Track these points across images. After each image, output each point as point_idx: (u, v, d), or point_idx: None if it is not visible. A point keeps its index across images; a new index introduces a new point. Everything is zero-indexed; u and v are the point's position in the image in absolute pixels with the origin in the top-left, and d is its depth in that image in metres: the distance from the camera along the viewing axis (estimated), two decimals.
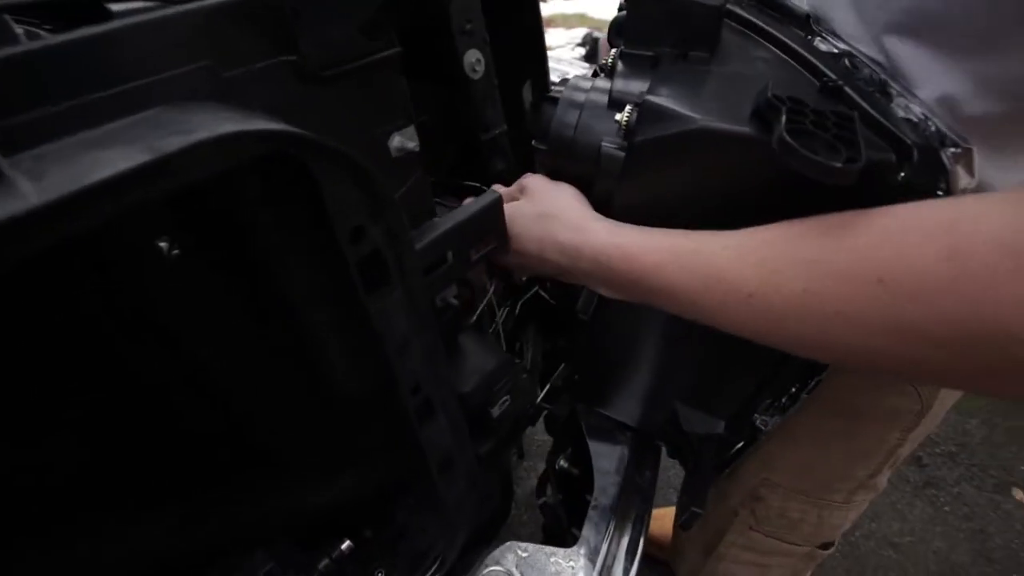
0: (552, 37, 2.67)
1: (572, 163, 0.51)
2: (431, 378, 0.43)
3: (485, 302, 0.67)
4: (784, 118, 0.36)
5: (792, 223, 0.37)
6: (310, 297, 0.37)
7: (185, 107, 0.26)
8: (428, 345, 0.41)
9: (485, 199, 0.46)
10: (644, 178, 0.47)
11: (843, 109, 0.38)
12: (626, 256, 0.43)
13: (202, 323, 0.41)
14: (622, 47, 0.51)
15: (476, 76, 0.58)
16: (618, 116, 0.47)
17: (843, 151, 0.34)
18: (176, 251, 0.37)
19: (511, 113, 0.67)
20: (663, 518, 1.20)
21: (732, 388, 0.61)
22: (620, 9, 0.57)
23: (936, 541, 1.51)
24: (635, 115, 0.46)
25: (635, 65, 0.50)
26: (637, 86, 0.48)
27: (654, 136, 0.44)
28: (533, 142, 0.54)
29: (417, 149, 0.38)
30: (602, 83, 0.53)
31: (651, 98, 0.44)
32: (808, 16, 0.47)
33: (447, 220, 0.44)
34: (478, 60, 0.56)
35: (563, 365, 0.85)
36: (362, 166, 0.30)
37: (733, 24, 0.49)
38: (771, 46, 0.47)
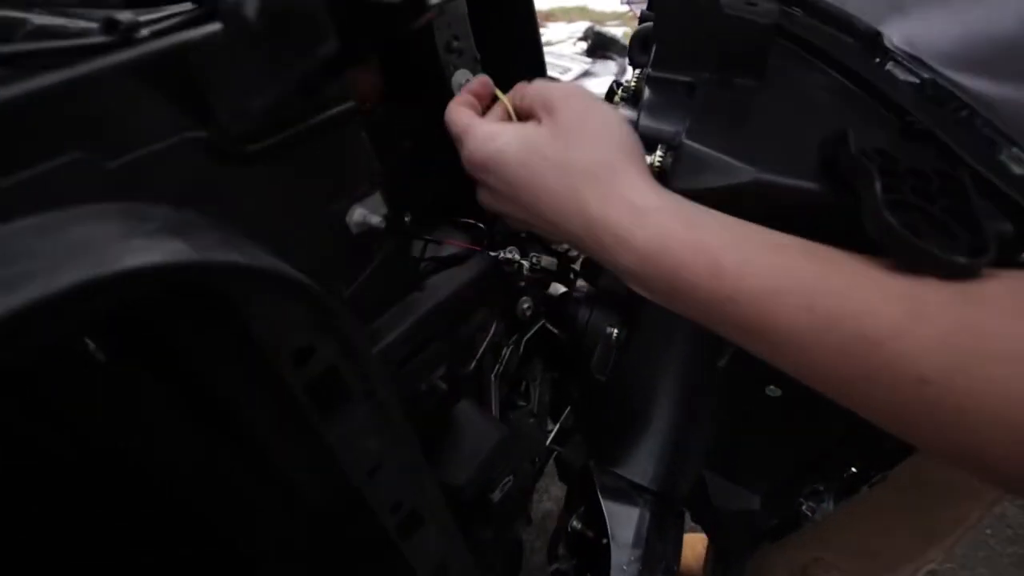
0: (552, 32, 2.57)
1: None
2: (414, 491, 0.36)
3: (485, 345, 0.59)
4: (879, 185, 0.27)
5: (996, 282, 0.26)
6: (255, 416, 0.30)
7: (33, 228, 0.19)
8: (408, 458, 0.34)
9: (478, 264, 0.38)
10: None
11: (945, 167, 0.30)
12: (713, 268, 0.29)
13: (139, 427, 0.34)
14: (649, 70, 0.42)
15: None
16: (648, 158, 0.38)
17: (960, 234, 0.26)
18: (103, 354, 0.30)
19: None
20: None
21: (768, 461, 0.53)
22: (641, 20, 0.49)
23: (979, 568, 1.43)
24: (669, 159, 0.38)
25: (666, 93, 0.41)
26: (671, 122, 0.39)
27: (694, 188, 0.36)
28: None
29: (383, 226, 0.30)
30: (626, 113, 0.44)
31: (691, 143, 0.36)
32: (878, 34, 0.38)
33: (430, 296, 0.36)
34: (468, 81, 0.48)
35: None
36: (298, 282, 0.22)
37: (785, 42, 0.40)
38: (834, 72, 0.39)
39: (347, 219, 0.30)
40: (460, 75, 0.50)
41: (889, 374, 0.26)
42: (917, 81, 0.36)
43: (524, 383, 0.79)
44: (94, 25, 0.24)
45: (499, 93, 0.42)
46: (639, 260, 0.32)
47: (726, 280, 0.29)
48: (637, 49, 0.46)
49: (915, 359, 0.25)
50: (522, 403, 0.76)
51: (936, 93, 0.35)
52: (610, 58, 1.98)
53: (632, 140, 0.36)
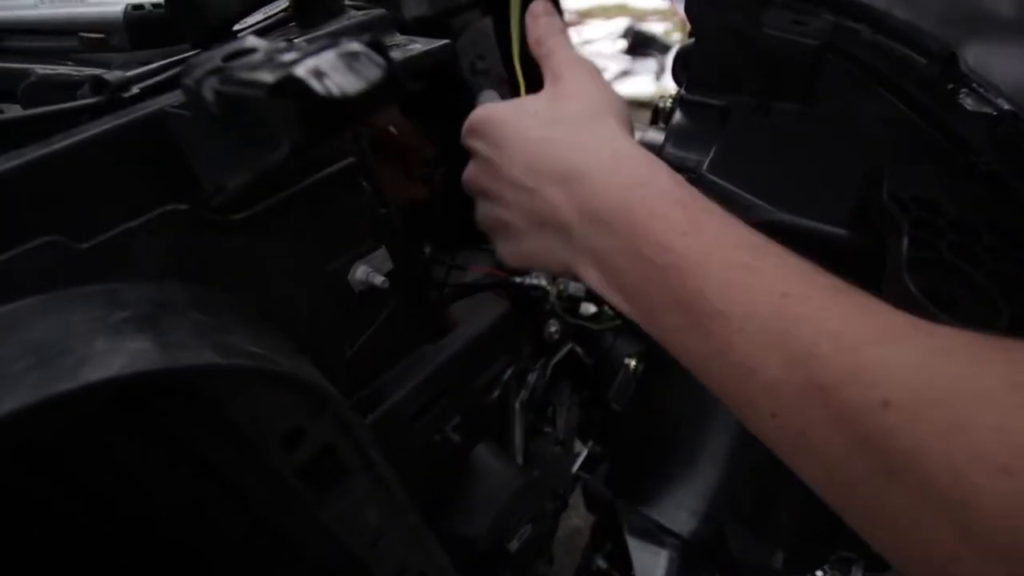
0: (591, 30, 2.57)
1: None
2: (419, 555, 0.35)
3: (510, 372, 0.58)
4: (906, 240, 0.24)
5: None
6: (247, 489, 0.29)
7: None
8: (410, 523, 0.33)
9: (494, 310, 0.37)
10: None
11: (1009, 219, 0.26)
12: (688, 224, 0.25)
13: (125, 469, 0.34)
14: (683, 92, 0.40)
15: None
16: None
17: (1003, 307, 0.22)
18: None
19: None
20: None
21: (791, 518, 0.50)
22: (689, 34, 0.46)
23: None
24: None
25: (697, 118, 0.39)
26: (696, 150, 0.37)
27: None
28: None
29: (386, 286, 0.29)
30: (653, 136, 0.42)
31: (711, 175, 0.34)
32: (953, 55, 0.35)
33: (444, 348, 0.35)
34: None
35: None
36: (280, 374, 0.21)
37: (838, 61, 0.37)
38: (893, 98, 0.35)
39: (348, 277, 0.28)
40: (486, 95, 0.50)
41: (847, 388, 0.19)
42: (993, 113, 0.33)
43: (551, 407, 0.77)
44: (99, 72, 0.24)
45: None
46: (608, 212, 0.26)
47: (700, 240, 0.24)
48: (680, 68, 0.44)
49: (885, 373, 0.19)
50: (548, 429, 0.74)
51: (1015, 129, 0.32)
52: (650, 55, 1.94)
53: (625, 113, 0.33)
